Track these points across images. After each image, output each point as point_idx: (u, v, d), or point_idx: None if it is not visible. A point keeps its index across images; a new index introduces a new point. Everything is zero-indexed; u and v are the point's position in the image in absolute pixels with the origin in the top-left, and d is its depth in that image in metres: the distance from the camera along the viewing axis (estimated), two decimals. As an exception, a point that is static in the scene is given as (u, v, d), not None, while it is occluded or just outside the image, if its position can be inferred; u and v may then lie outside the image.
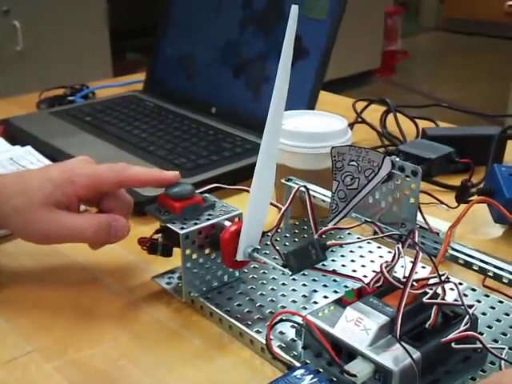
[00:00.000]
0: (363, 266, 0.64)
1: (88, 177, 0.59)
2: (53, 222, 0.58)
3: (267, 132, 0.53)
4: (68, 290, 0.61)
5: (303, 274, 0.62)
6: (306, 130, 0.72)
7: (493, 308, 0.58)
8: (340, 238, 0.69)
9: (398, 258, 0.54)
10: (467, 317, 0.49)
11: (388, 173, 0.55)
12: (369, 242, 0.68)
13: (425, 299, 0.50)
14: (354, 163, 0.56)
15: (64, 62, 2.64)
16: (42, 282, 0.63)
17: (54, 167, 0.63)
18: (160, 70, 1.14)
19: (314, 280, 0.61)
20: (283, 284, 0.61)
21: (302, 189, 0.61)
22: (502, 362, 0.49)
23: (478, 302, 0.59)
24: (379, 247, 0.67)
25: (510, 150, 0.92)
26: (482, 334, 0.53)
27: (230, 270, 0.60)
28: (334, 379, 0.48)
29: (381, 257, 0.66)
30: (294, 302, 0.58)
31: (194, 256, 0.57)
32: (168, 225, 0.56)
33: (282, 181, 0.67)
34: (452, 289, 0.54)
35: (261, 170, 0.53)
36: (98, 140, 0.92)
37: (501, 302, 0.59)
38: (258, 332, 0.54)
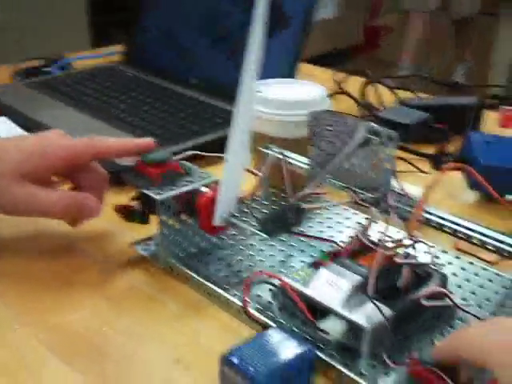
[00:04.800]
0: (340, 231, 0.65)
1: (61, 149, 0.59)
2: (22, 194, 0.57)
3: (241, 96, 0.53)
4: (46, 258, 0.62)
5: (280, 240, 0.63)
6: (284, 97, 0.72)
7: (463, 269, 0.60)
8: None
9: (372, 221, 0.55)
10: (437, 275, 0.50)
11: (364, 138, 0.56)
12: (346, 209, 0.69)
13: (397, 259, 0.51)
14: (330, 128, 0.57)
15: (40, 35, 2.60)
16: (19, 251, 0.63)
17: (27, 139, 0.62)
18: (139, 41, 1.14)
19: (291, 246, 0.62)
20: (260, 250, 0.62)
21: (280, 156, 0.62)
22: (470, 317, 0.50)
23: (450, 263, 0.60)
24: (356, 213, 0.68)
25: (486, 119, 0.93)
26: (451, 293, 0.54)
27: (208, 236, 0.61)
28: (309, 338, 0.49)
29: (358, 223, 0.67)
30: (272, 266, 0.59)
31: (171, 222, 0.58)
32: (144, 191, 0.56)
33: (260, 148, 0.68)
34: (427, 252, 0.55)
35: (235, 134, 0.54)
36: (76, 111, 0.92)
37: (471, 263, 0.61)
38: (235, 295, 0.55)
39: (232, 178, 0.56)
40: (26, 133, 0.83)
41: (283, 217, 0.55)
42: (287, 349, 0.46)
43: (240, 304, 0.53)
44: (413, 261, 0.52)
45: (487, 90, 1.08)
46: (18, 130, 0.84)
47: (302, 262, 0.60)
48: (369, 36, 3.98)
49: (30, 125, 0.85)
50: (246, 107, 0.54)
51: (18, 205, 0.58)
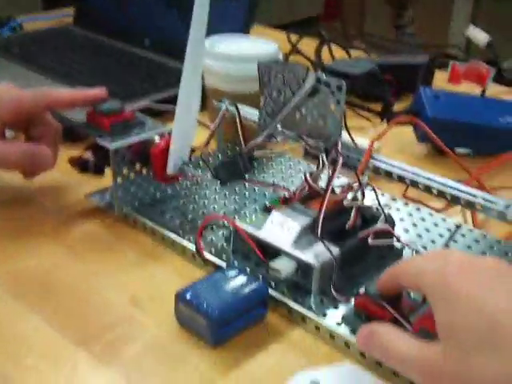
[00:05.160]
0: (291, 180, 0.67)
1: (11, 101, 0.59)
2: None
3: (189, 50, 0.54)
4: (2, 210, 0.62)
5: (234, 190, 0.64)
6: (238, 52, 0.73)
7: (410, 215, 0.62)
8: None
9: (322, 167, 0.56)
10: (383, 217, 0.53)
11: (312, 86, 0.57)
12: (297, 159, 0.71)
13: (345, 202, 0.53)
14: (280, 76, 0.58)
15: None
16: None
17: None
18: (91, 2, 1.12)
19: (245, 195, 0.64)
20: (214, 199, 0.63)
21: (233, 109, 0.63)
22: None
23: (398, 210, 0.62)
24: (307, 163, 0.70)
25: (437, 78, 0.95)
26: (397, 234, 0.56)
27: (162, 186, 0.62)
28: (261, 277, 0.51)
29: (308, 171, 0.68)
30: (225, 213, 0.60)
31: (125, 171, 0.58)
32: (97, 140, 0.57)
33: (214, 101, 0.69)
34: (375, 199, 0.57)
35: (185, 85, 0.55)
36: (28, 71, 0.91)
37: (418, 209, 0.63)
38: (189, 241, 0.56)
39: (183, 128, 0.57)
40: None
41: (235, 164, 0.56)
42: (240, 285, 0.48)
43: (194, 249, 0.54)
44: (360, 204, 0.54)
45: (439, 49, 1.10)
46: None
47: (254, 210, 0.61)
48: (328, 6, 3.99)
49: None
50: (195, 60, 0.54)
51: None
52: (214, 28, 0.81)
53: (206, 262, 0.54)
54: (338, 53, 1.04)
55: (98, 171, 0.60)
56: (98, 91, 0.60)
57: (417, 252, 0.53)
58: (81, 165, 0.60)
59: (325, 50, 1.05)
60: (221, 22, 0.90)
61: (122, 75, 0.90)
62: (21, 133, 0.63)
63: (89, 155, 0.60)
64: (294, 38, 1.09)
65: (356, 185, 0.55)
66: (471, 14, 2.61)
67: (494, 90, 0.92)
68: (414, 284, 0.41)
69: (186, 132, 0.57)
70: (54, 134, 0.62)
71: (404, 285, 0.42)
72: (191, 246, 0.55)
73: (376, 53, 1.07)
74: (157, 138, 0.59)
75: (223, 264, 0.53)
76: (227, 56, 0.72)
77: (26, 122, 0.61)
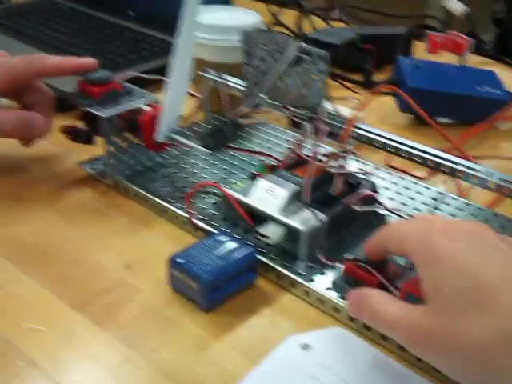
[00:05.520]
0: (277, 148, 0.69)
1: (2, 69, 0.59)
2: None
3: (183, 23, 0.54)
4: (-5, 179, 0.63)
5: (221, 159, 0.66)
6: (221, 23, 0.74)
7: (395, 183, 0.64)
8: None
9: (307, 135, 0.58)
10: (367, 183, 0.54)
11: (294, 55, 0.58)
12: (281, 128, 0.72)
13: (330, 169, 0.55)
14: (263, 46, 0.59)
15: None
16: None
17: None
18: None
19: (232, 164, 0.65)
20: (203, 168, 0.64)
21: (218, 79, 0.64)
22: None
23: (382, 178, 0.64)
24: (291, 131, 0.71)
25: (416, 49, 0.97)
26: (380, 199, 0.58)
27: (153, 154, 0.63)
28: (251, 243, 0.53)
29: (293, 139, 0.70)
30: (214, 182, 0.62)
31: (116, 140, 0.59)
32: (88, 109, 0.58)
33: (199, 72, 0.70)
34: (359, 167, 0.59)
35: (180, 53, 0.55)
36: (14, 41, 0.92)
37: (402, 178, 0.65)
38: (180, 208, 0.57)
39: (175, 97, 0.58)
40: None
41: (221, 131, 0.58)
42: (231, 250, 0.49)
43: (185, 215, 0.56)
44: (344, 170, 0.55)
45: (418, 21, 1.11)
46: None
47: (243, 178, 0.63)
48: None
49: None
50: (188, 30, 0.55)
51: None
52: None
53: (197, 228, 0.55)
54: (319, 24, 1.05)
55: (90, 140, 0.61)
56: (90, 60, 0.61)
57: (402, 218, 0.54)
58: (72, 134, 0.61)
59: (305, 22, 1.06)
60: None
61: (108, 46, 0.90)
62: (15, 101, 0.63)
63: (80, 124, 0.61)
64: (274, 8, 1.10)
65: (340, 153, 0.57)
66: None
67: (473, 61, 0.94)
68: (400, 248, 0.42)
69: (176, 101, 0.58)
70: (48, 100, 0.63)
71: (390, 249, 0.43)
72: (182, 213, 0.56)
73: (356, 24, 1.09)
74: (145, 107, 0.60)
75: (214, 230, 0.54)
76: (212, 27, 0.73)
77: (19, 89, 0.61)
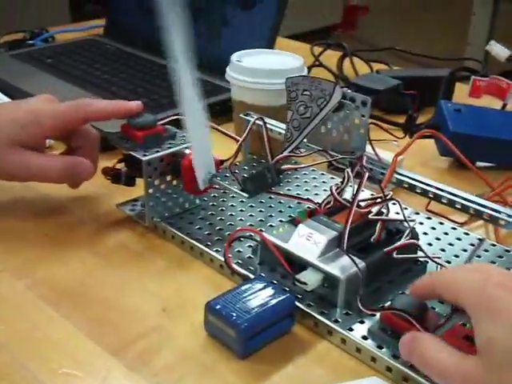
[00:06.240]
0: (316, 194, 0.68)
1: (53, 117, 0.61)
2: (18, 162, 0.60)
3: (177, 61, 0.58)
4: (36, 219, 0.64)
5: (260, 202, 0.66)
6: (264, 66, 0.75)
7: (433, 228, 0.63)
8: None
9: (348, 181, 0.58)
10: (408, 230, 0.54)
11: (339, 101, 0.58)
12: (322, 173, 0.72)
13: (370, 216, 0.54)
14: (307, 93, 0.60)
15: (22, 9, 2.57)
16: (11, 212, 0.65)
17: (18, 106, 0.63)
18: (120, 13, 1.15)
19: (271, 206, 0.65)
20: (241, 210, 0.64)
21: (259, 122, 0.64)
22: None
23: (421, 223, 0.63)
24: (332, 178, 0.71)
25: (458, 91, 0.96)
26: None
27: (191, 197, 0.63)
28: (288, 289, 0.52)
29: (334, 185, 0.70)
30: (251, 225, 0.62)
31: (156, 182, 0.60)
32: (130, 152, 0.59)
33: (241, 115, 0.70)
34: (397, 213, 0.58)
35: (186, 103, 0.56)
36: (60, 81, 0.93)
37: (441, 223, 0.64)
38: (217, 251, 0.57)
39: (199, 145, 0.57)
40: (9, 99, 0.84)
41: (262, 176, 0.58)
42: (268, 297, 0.49)
43: (222, 259, 0.56)
44: (385, 217, 0.55)
45: (460, 64, 1.11)
46: (2, 98, 0.86)
47: (280, 221, 0.63)
48: (347, 16, 4.00)
49: (14, 94, 0.86)
50: (188, 79, 0.58)
51: (14, 173, 0.61)
52: (241, 43, 0.83)
53: (234, 272, 0.55)
54: (360, 66, 1.05)
55: (130, 182, 0.62)
56: (135, 104, 0.62)
57: (442, 266, 0.53)
58: (113, 176, 0.62)
59: (347, 63, 1.06)
60: (248, 37, 0.92)
61: (153, 87, 0.91)
62: (62, 143, 0.65)
63: (121, 166, 0.61)
64: (317, 50, 1.11)
65: (380, 199, 0.56)
66: (489, 25, 2.62)
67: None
68: (452, 297, 0.41)
69: (203, 147, 0.57)
70: (94, 143, 0.64)
71: (441, 295, 0.43)
72: (219, 257, 0.56)
73: (397, 65, 1.09)
74: (187, 150, 0.60)
75: (251, 275, 0.54)
76: (254, 70, 0.74)
77: (67, 134, 0.63)
